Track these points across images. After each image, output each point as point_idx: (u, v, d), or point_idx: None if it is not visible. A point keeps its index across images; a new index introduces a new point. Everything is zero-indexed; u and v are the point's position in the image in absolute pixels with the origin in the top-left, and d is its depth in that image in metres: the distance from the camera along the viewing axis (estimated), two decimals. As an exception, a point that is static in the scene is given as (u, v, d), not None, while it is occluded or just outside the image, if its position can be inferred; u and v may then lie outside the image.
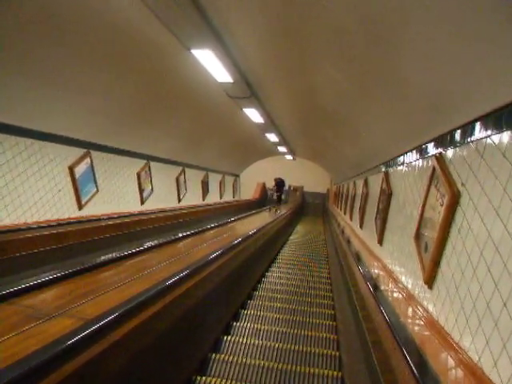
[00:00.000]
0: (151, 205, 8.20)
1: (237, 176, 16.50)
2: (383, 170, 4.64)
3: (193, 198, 10.77)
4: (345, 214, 9.72)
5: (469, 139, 1.99)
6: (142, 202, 7.74)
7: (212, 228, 6.00)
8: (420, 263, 2.61)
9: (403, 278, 3.13)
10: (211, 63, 4.33)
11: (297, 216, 15.59)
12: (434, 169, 2.54)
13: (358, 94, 4.01)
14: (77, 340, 1.45)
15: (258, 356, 3.45)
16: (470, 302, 1.76)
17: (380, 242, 4.34)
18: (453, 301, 2.00)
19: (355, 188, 7.96)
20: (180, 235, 4.82)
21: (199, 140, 9.24)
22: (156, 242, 3.95)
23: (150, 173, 7.96)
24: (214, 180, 12.86)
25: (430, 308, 2.33)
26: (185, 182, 9.94)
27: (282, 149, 12.25)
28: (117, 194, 6.82)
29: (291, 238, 11.14)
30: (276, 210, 11.49)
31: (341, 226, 9.81)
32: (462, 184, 2.05)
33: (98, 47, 4.06)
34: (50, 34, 3.53)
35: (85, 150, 5.77)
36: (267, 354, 3.48)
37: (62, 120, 5.09)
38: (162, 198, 8.73)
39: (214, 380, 2.87)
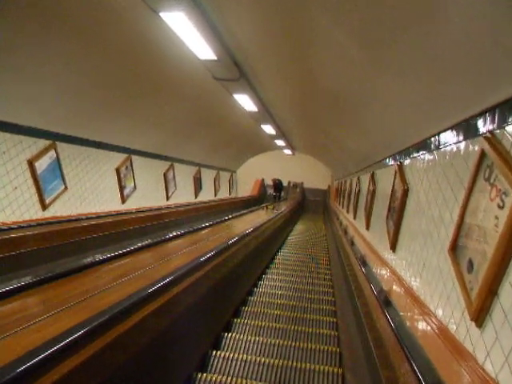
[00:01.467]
0: (135, 203, 7.45)
1: (233, 172, 15.71)
2: (396, 161, 3.88)
3: (184, 196, 10.01)
4: (347, 212, 8.97)
5: None
6: (124, 201, 6.98)
7: (196, 231, 5.25)
8: (462, 288, 1.84)
9: (428, 300, 2.36)
10: (186, 31, 3.55)
11: (296, 214, 14.83)
12: (482, 154, 1.78)
13: (369, 70, 3.24)
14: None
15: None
16: None
17: (393, 247, 3.58)
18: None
19: (359, 184, 7.19)
20: (155, 240, 4.06)
21: (188, 132, 8.47)
22: (117, 251, 3.20)
23: (132, 168, 7.20)
24: (207, 176, 12.10)
25: (481, 357, 1.57)
26: (174, 178, 9.18)
27: (279, 142, 11.47)
28: (91, 192, 6.06)
29: (290, 238, 10.39)
30: (273, 208, 10.72)
31: (343, 225, 9.09)
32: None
33: (58, 19, 3.29)
34: None
35: (49, 142, 5.01)
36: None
37: (16, 106, 4.32)
38: (148, 196, 7.97)
39: (214, 377, 2.85)
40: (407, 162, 3.45)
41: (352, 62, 3.40)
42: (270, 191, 16.01)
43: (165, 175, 8.67)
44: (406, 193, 3.30)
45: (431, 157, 2.65)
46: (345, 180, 10.70)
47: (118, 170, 6.69)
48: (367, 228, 5.50)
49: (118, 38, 4.03)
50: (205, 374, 2.89)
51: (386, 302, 2.77)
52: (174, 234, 4.54)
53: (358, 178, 7.35)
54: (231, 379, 2.86)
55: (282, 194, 17.03)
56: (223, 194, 14.27)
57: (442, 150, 2.40)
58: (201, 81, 5.48)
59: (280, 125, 8.84)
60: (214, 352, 3.25)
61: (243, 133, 10.51)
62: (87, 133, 5.73)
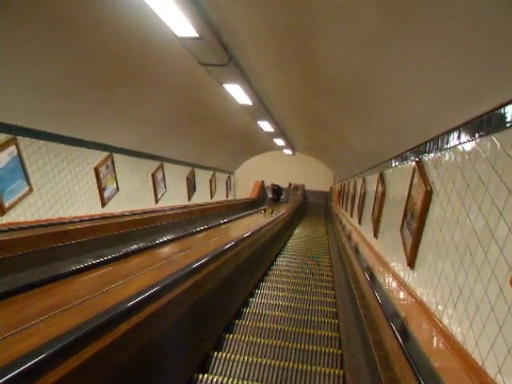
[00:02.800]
0: (118, 206, 6.78)
1: (230, 173, 15.02)
2: (413, 158, 3.19)
3: (175, 198, 9.33)
4: (351, 216, 8.29)
5: None
6: (104, 204, 6.31)
7: (180, 238, 4.56)
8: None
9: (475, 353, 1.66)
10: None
11: (296, 218, 14.13)
12: None
13: (382, 50, 2.57)
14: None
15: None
16: None
17: (411, 263, 2.89)
18: None
19: (365, 186, 6.51)
20: (126, 251, 3.37)
21: (178, 129, 7.80)
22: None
23: (114, 167, 6.53)
24: (202, 178, 11.42)
25: None
26: (164, 179, 8.50)
27: (279, 141, 10.79)
28: (64, 194, 5.39)
29: (289, 243, 9.69)
30: (272, 212, 10.02)
31: (346, 230, 8.41)
32: None
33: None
34: None
35: (8, 136, 4.34)
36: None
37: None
38: (133, 198, 7.29)
39: (215, 378, 2.84)
40: (428, 158, 2.77)
41: (365, 43, 2.73)
42: (271, 194, 15.32)
43: (153, 176, 8.00)
44: (428, 195, 2.62)
45: (469, 148, 1.95)
46: (348, 182, 10.02)
47: (96, 170, 6.02)
48: (375, 236, 4.81)
49: (79, 15, 3.37)
50: (206, 375, 2.87)
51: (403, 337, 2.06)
52: (149, 244, 3.86)
53: (364, 180, 6.67)
54: (232, 380, 2.84)
55: (282, 197, 16.35)
56: (220, 196, 13.58)
57: (490, 136, 1.71)
58: (185, 67, 4.81)
59: (278, 121, 8.16)
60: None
61: (240, 131, 9.84)
62: (58, 127, 5.07)
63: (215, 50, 4.10)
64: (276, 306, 4.84)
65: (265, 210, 10.32)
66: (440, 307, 2.19)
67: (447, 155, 2.34)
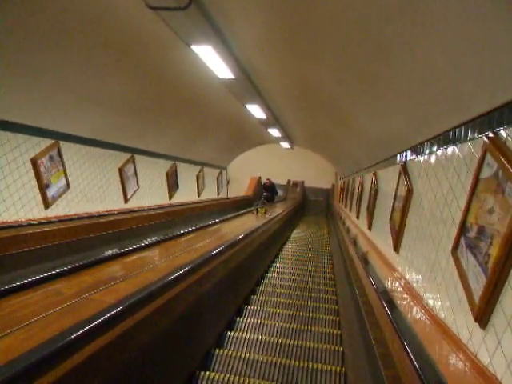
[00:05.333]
0: (69, 207, 5.47)
1: (222, 169, 13.66)
2: (475, 135, 1.88)
3: (151, 197, 8.00)
4: (358, 218, 6.98)
5: None
6: (47, 205, 4.99)
7: (144, 248, 3.41)
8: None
9: None
10: None
11: (295, 217, 12.80)
12: None
13: None
14: None
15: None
16: None
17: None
18: None
19: (377, 182, 5.20)
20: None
21: (152, 114, 6.46)
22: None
23: (62, 160, 5.21)
24: (188, 173, 10.08)
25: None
26: (135, 174, 7.17)
27: (274, 132, 9.44)
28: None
29: (285, 249, 8.37)
30: (265, 212, 8.71)
31: (351, 234, 7.14)
32: None
33: None
34: None
35: None
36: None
37: None
38: (92, 198, 5.97)
39: (217, 375, 2.83)
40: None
41: None
42: (264, 191, 14.03)
43: (121, 170, 6.67)
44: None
45: None
46: (353, 178, 8.71)
47: (34, 162, 4.70)
48: (396, 249, 3.52)
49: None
50: (207, 372, 2.84)
51: None
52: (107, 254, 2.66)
53: (375, 175, 5.36)
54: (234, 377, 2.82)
55: (278, 194, 15.05)
56: (210, 194, 12.25)
57: None
58: (132, 16, 3.47)
59: (271, 105, 6.81)
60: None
61: (228, 118, 8.48)
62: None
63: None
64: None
65: (257, 210, 9.00)
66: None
67: None
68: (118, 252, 3.25)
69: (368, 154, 5.62)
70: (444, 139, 2.37)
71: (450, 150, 2.27)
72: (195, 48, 3.91)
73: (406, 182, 3.33)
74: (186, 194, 9.96)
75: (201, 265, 2.96)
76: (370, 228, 5.38)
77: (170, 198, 8.90)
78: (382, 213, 4.66)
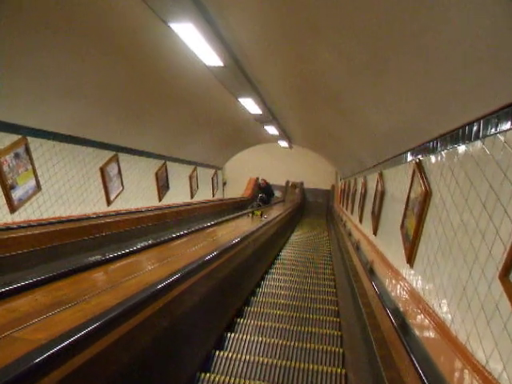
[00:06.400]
0: (41, 211, 4.91)
1: (218, 169, 13.09)
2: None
3: (139, 199, 7.44)
4: (360, 222, 6.45)
5: None
6: (13, 208, 4.44)
7: (122, 256, 2.91)
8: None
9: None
10: None
11: (294, 220, 12.25)
12: None
13: None
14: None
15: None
16: None
17: None
18: None
19: (383, 183, 4.67)
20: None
21: (137, 108, 5.91)
22: None
23: (31, 157, 4.65)
24: (180, 173, 9.53)
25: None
26: (119, 174, 6.62)
27: (270, 129, 8.88)
28: None
29: (282, 254, 7.82)
30: (261, 215, 8.16)
31: (353, 239, 6.62)
32: None
33: None
34: None
35: None
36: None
37: None
38: (68, 200, 5.41)
39: (217, 377, 2.82)
40: None
41: None
42: (259, 192, 13.51)
43: (102, 170, 6.11)
44: None
45: None
46: (355, 178, 8.17)
47: (-4, 160, 4.15)
48: (409, 262, 2.99)
49: None
50: (208, 374, 2.82)
51: None
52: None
53: (381, 174, 4.82)
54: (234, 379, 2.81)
55: (276, 195, 14.49)
56: (205, 195, 11.69)
57: None
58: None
59: (266, 98, 6.26)
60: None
61: (221, 113, 7.92)
62: None
63: None
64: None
65: (253, 213, 8.45)
66: None
67: None
68: (79, 266, 2.70)
69: (373, 152, 5.08)
70: (484, 124, 1.81)
71: (490, 140, 1.72)
72: (174, 26, 3.36)
73: (423, 183, 2.79)
74: (178, 196, 9.40)
75: (178, 281, 2.42)
76: (375, 233, 4.84)
77: (160, 199, 8.34)
78: (389, 217, 4.12)
